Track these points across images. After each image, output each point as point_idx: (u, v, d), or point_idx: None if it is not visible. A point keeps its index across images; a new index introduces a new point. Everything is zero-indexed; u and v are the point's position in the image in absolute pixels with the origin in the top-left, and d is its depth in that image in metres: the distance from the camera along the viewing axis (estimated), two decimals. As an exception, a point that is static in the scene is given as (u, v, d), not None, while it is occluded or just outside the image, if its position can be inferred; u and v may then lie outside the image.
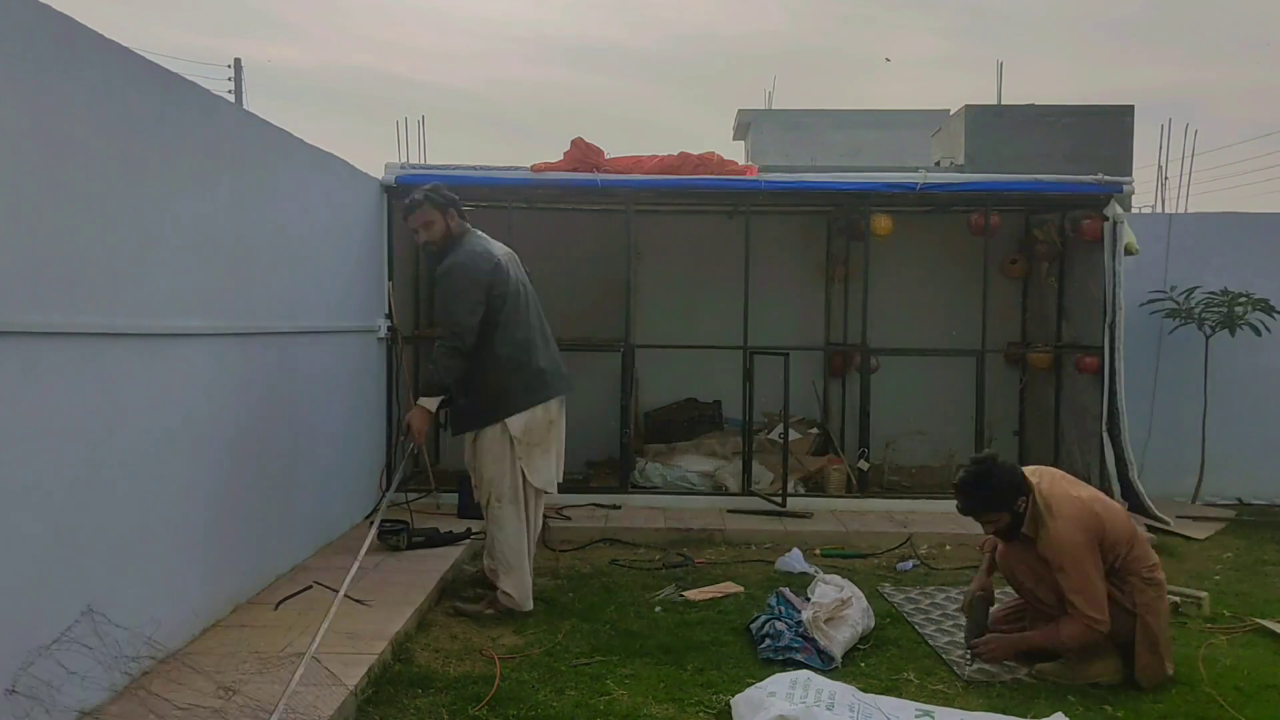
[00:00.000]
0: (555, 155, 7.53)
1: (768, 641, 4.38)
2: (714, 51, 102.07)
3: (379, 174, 7.03)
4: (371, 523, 4.76)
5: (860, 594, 4.70)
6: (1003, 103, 12.33)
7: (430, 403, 4.75)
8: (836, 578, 4.88)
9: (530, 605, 4.91)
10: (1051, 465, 8.29)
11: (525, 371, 4.80)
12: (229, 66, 29.03)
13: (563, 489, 6.10)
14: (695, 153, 7.42)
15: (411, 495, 7.09)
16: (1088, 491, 4.21)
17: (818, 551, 6.31)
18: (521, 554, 4.86)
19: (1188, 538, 6.87)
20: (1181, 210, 9.85)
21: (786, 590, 4.80)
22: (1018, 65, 48.61)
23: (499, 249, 4.95)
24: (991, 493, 4.06)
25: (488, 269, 4.73)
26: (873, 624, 4.66)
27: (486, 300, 4.70)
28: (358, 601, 4.73)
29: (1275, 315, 7.68)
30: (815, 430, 8.61)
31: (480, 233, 5.00)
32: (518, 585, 4.87)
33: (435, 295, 4.56)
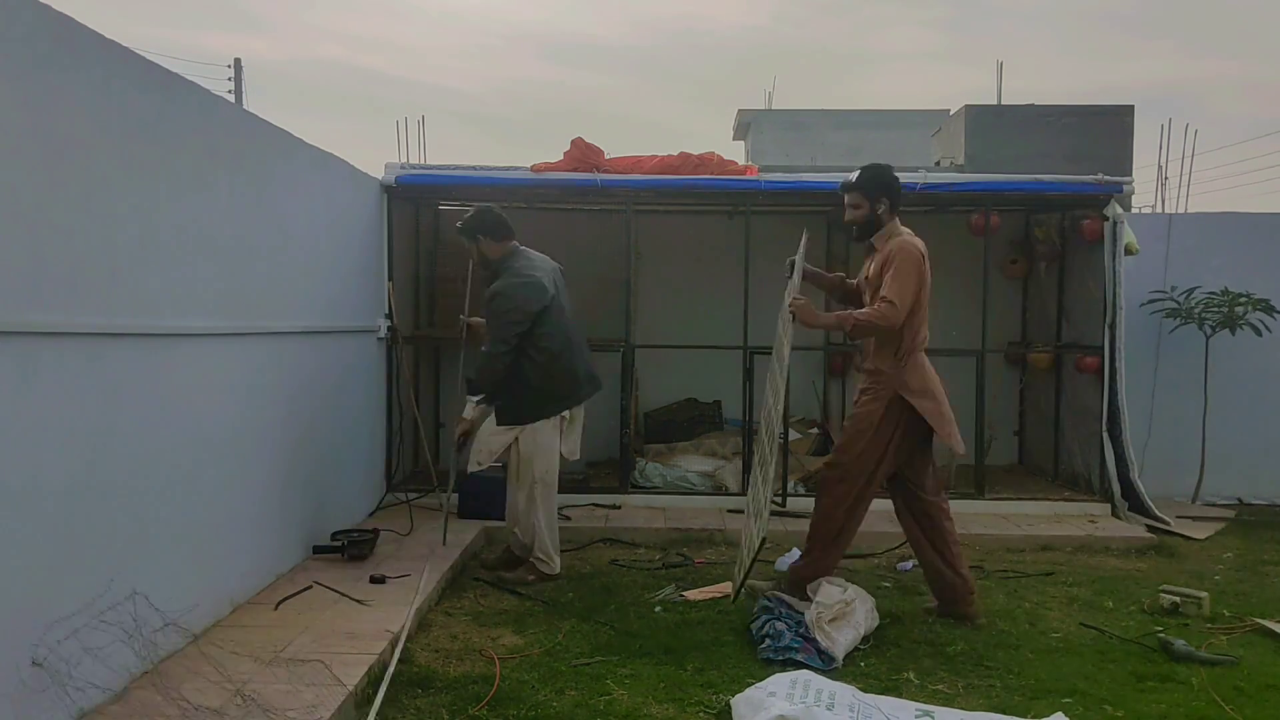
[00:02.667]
0: (546, 156, 7.53)
1: (768, 641, 4.38)
2: (692, 45, 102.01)
3: (362, 172, 6.97)
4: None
5: (864, 594, 4.70)
6: (1001, 101, 12.34)
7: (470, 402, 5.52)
8: (840, 578, 4.88)
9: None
10: (1052, 465, 8.35)
11: (565, 379, 5.46)
12: (229, 66, 29.05)
13: (563, 489, 6.11)
14: (695, 153, 7.42)
15: (411, 494, 7.09)
16: None
17: (818, 551, 6.30)
18: (554, 525, 5.64)
19: (1188, 538, 6.87)
20: (1181, 210, 9.85)
21: (782, 593, 4.80)
22: (1010, 59, 48.66)
23: (541, 267, 5.49)
24: (865, 176, 4.96)
25: (529, 293, 5.31)
26: (876, 624, 4.66)
27: (527, 320, 5.28)
28: (357, 601, 4.74)
29: (1276, 315, 7.68)
30: (815, 430, 8.61)
31: (525, 251, 5.53)
32: (551, 551, 5.59)
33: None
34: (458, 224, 5.55)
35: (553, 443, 5.50)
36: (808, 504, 7.20)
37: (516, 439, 5.48)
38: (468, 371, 5.62)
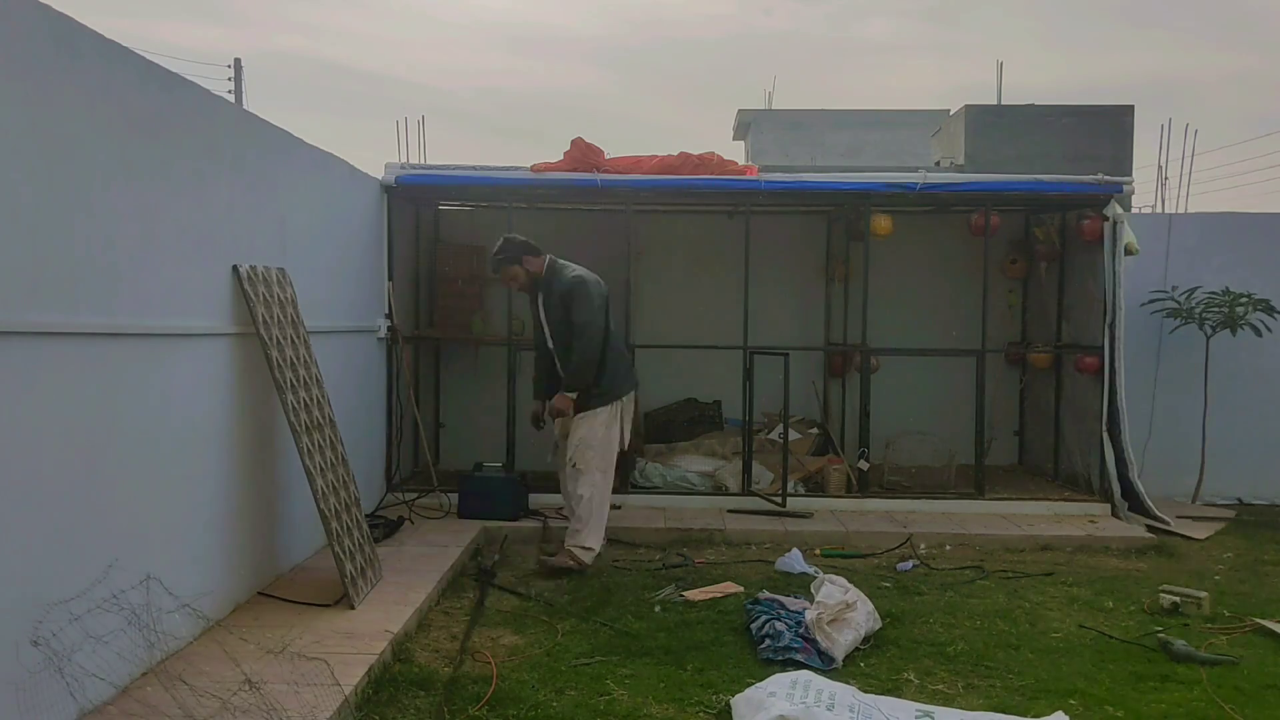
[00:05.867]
0: (546, 156, 7.54)
1: (768, 641, 4.38)
2: (664, 37, 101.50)
3: (362, 172, 6.94)
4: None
5: (865, 597, 4.69)
6: (1000, 98, 12.34)
7: (573, 392, 5.77)
8: (841, 579, 4.87)
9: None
10: (1052, 465, 8.34)
11: (624, 364, 6.04)
12: (229, 66, 29.05)
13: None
14: (695, 153, 7.42)
15: (411, 494, 7.09)
16: None
17: (818, 551, 6.31)
18: (605, 512, 5.90)
19: (1188, 538, 6.87)
20: (1181, 210, 9.85)
21: (782, 597, 4.80)
22: (1000, 52, 48.15)
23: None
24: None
25: (601, 285, 5.86)
26: (878, 626, 4.66)
27: (605, 301, 5.82)
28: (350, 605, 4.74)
29: (1276, 315, 7.68)
30: (815, 430, 8.60)
31: (561, 260, 5.94)
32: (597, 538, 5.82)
33: (569, 310, 5.79)
34: (496, 257, 5.86)
35: (612, 432, 5.85)
36: (808, 503, 7.28)
37: (577, 431, 5.79)
38: (565, 371, 5.84)
